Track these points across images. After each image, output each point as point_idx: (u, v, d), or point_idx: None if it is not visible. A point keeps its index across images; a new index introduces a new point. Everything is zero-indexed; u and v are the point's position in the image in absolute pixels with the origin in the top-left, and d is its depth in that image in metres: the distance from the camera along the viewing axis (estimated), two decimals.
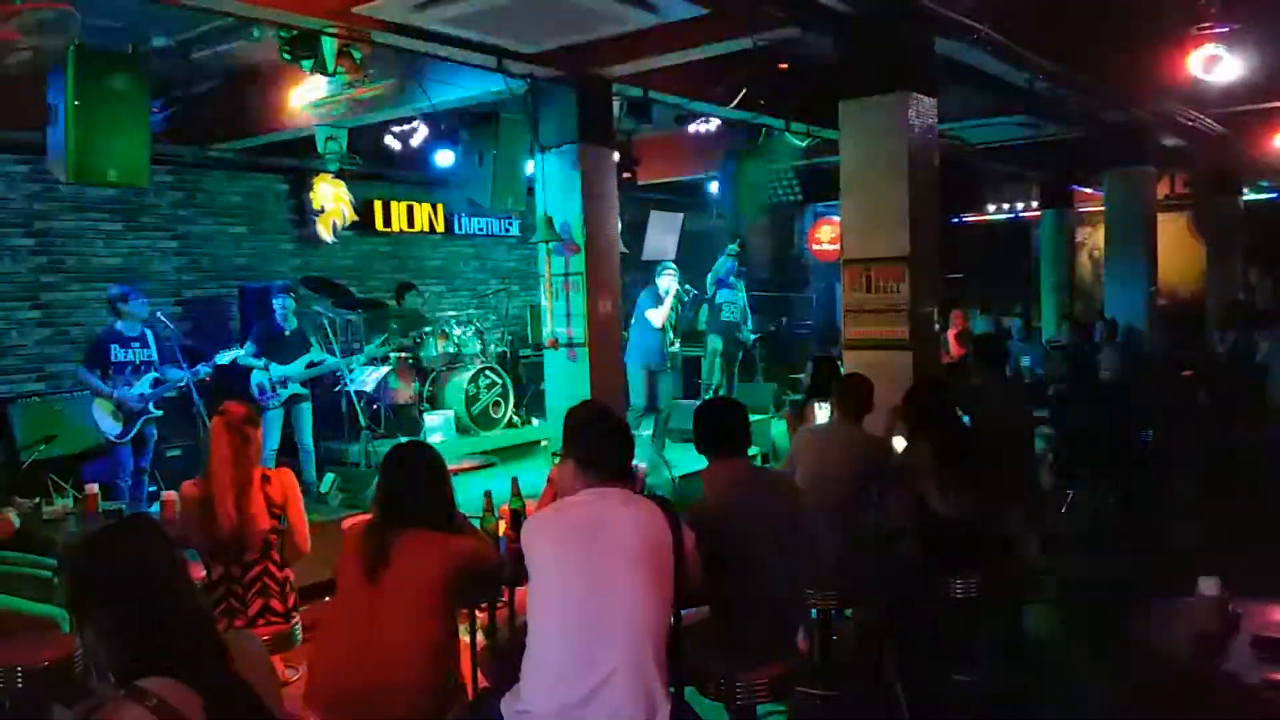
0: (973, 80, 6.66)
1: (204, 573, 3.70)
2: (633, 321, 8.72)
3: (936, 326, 5.81)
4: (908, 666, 4.33)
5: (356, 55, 5.59)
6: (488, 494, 3.60)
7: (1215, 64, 6.10)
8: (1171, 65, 6.75)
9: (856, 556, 4.23)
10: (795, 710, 4.26)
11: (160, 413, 6.40)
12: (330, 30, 5.09)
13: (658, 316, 8.31)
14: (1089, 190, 13.10)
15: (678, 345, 8.51)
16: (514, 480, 3.74)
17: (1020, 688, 4.57)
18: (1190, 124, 9.45)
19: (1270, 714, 2.61)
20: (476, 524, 3.48)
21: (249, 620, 3.64)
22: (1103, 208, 10.71)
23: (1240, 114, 9.49)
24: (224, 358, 6.46)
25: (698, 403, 4.38)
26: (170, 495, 4.12)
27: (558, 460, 3.14)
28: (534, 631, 2.67)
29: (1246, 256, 14.00)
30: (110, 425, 6.17)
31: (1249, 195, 14.18)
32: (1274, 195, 14.97)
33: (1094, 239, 14.52)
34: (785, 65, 6.16)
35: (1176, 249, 14.39)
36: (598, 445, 2.89)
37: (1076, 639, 5.13)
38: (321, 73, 5.73)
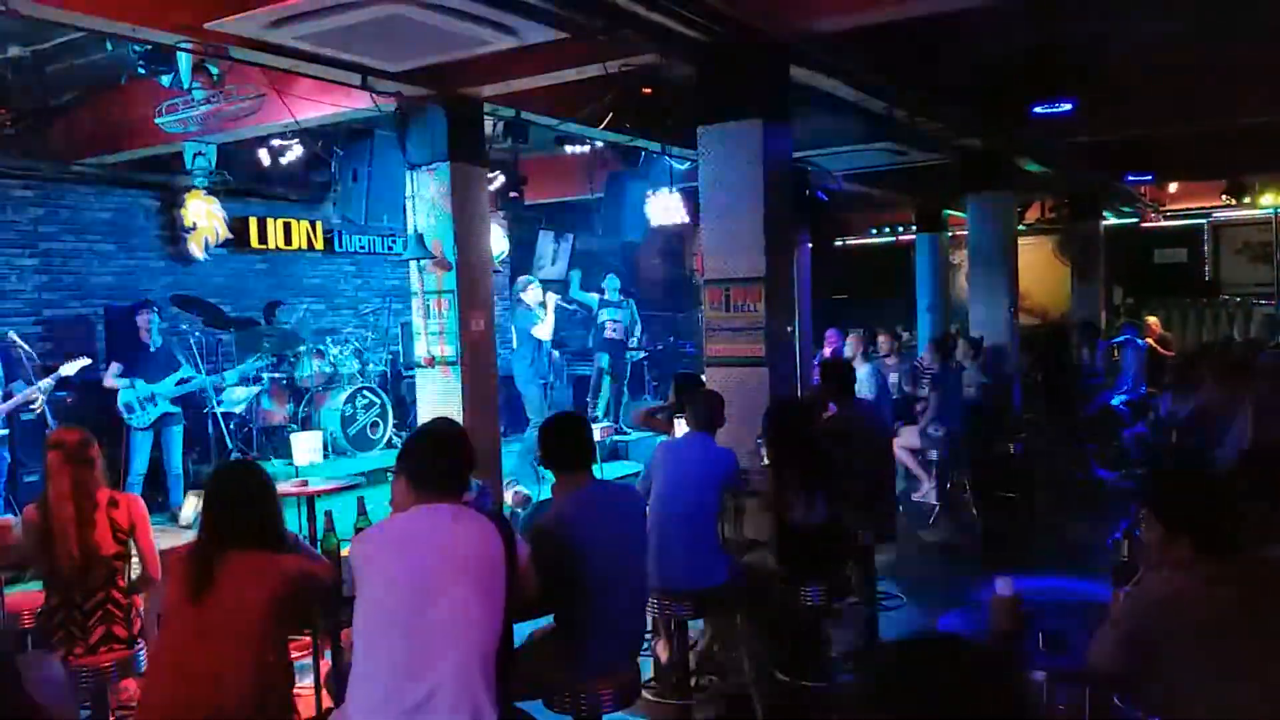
0: (837, 109, 6.90)
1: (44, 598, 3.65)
2: (517, 342, 8.77)
3: (795, 343, 5.99)
4: (761, 674, 4.45)
5: (214, 70, 5.52)
6: (328, 513, 3.58)
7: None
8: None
9: (711, 565, 4.33)
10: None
11: (6, 431, 6.17)
12: (185, 45, 5.00)
13: (545, 330, 8.48)
14: (963, 214, 13.66)
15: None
16: (360, 499, 3.72)
17: (870, 693, 4.73)
18: (1049, 151, 9.99)
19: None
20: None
21: (89, 647, 3.58)
22: None
23: (1088, 144, 10.08)
24: (69, 368, 6.26)
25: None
26: (6, 520, 4.01)
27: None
28: (358, 648, 2.66)
29: (1109, 278, 14.81)
30: None
31: (1110, 220, 15.01)
32: (1135, 220, 15.89)
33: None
34: (649, 90, 6.30)
35: (1046, 271, 15.14)
36: (429, 461, 2.91)
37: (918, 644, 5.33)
38: (179, 88, 5.65)
